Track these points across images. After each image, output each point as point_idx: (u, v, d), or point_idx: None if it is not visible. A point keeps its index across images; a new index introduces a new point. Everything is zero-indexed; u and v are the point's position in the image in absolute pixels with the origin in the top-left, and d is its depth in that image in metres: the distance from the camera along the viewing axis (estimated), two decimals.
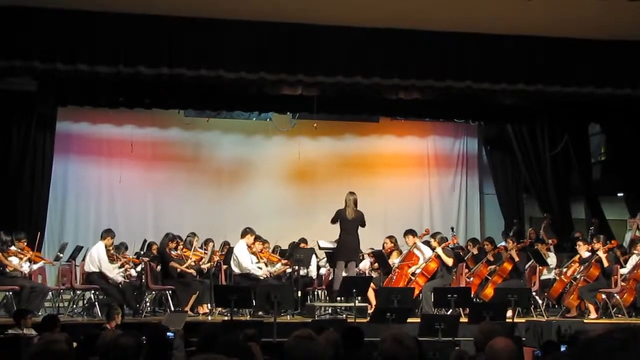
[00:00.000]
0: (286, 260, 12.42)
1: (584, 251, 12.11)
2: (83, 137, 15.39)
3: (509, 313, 10.13)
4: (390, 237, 12.87)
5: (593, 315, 11.50)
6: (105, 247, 11.62)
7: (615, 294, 11.72)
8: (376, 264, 12.57)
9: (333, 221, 11.62)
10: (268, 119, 15.90)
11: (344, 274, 11.40)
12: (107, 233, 11.85)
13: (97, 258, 11.48)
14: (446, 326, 8.64)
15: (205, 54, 10.25)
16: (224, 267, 12.29)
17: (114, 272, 11.61)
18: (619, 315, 11.77)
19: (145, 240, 13.33)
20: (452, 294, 10.36)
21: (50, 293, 11.78)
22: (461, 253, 13.04)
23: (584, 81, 11.08)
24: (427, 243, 12.25)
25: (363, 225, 11.63)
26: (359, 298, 10.87)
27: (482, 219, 17.11)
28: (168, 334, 6.63)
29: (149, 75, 10.25)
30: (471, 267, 12.87)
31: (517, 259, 12.09)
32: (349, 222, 11.51)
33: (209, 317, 11.26)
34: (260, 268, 11.89)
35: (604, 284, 11.74)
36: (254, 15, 10.05)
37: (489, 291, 11.80)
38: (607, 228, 14.10)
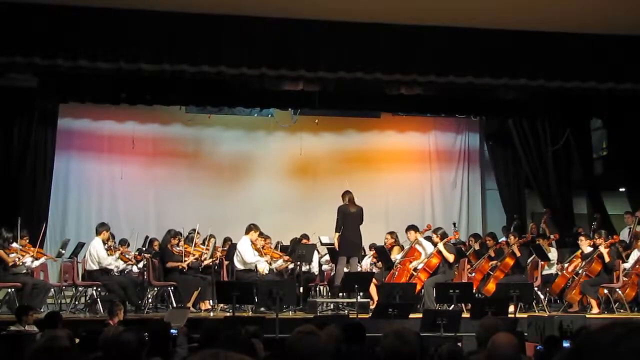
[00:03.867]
0: (288, 257, 12.42)
1: (585, 246, 12.10)
2: (84, 133, 15.40)
3: (511, 308, 10.13)
4: (391, 233, 12.88)
5: (595, 310, 11.49)
6: (103, 241, 11.62)
7: (617, 289, 11.71)
8: (378, 260, 12.59)
9: (339, 226, 11.56)
10: (269, 115, 15.91)
11: (345, 270, 11.41)
12: (102, 227, 11.86)
13: (95, 255, 11.49)
14: (448, 321, 8.64)
15: (206, 49, 10.24)
16: (226, 263, 12.30)
17: (114, 263, 11.67)
18: (621, 310, 11.76)
19: (147, 237, 13.36)
20: (454, 289, 10.37)
21: (52, 290, 11.81)
22: (463, 248, 13.04)
23: (585, 76, 11.07)
24: (428, 238, 12.25)
25: (361, 222, 11.63)
26: (361, 294, 10.87)
27: (483, 214, 17.12)
28: (171, 330, 6.65)
29: (150, 71, 10.25)
30: (473, 262, 12.87)
31: (518, 254, 12.09)
32: (351, 216, 11.52)
33: (211, 313, 11.27)
34: (263, 265, 11.90)
35: (605, 279, 11.73)
36: (255, 10, 10.04)
37: (491, 286, 11.81)
38: (609, 223, 14.09)
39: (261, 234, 12.17)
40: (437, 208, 16.80)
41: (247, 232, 11.91)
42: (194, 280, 11.75)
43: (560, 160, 15.03)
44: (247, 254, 11.68)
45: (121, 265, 11.99)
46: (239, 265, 11.81)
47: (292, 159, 16.11)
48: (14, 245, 11.32)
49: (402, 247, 12.62)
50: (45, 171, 13.37)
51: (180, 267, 11.81)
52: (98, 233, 11.75)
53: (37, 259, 11.61)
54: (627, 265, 11.95)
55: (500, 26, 10.62)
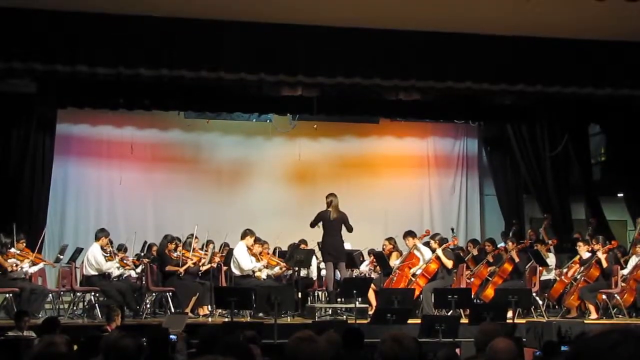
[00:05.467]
0: (284, 264, 12.40)
1: (584, 252, 12.11)
2: (83, 138, 15.40)
3: (510, 314, 10.13)
4: (390, 239, 12.87)
5: (593, 315, 11.50)
6: (101, 247, 11.60)
7: (615, 295, 11.71)
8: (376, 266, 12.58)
9: (312, 224, 11.64)
10: (268, 120, 15.91)
11: (338, 276, 11.44)
12: (101, 233, 11.84)
13: (93, 261, 11.47)
14: (447, 327, 8.64)
15: (205, 55, 10.24)
16: (224, 268, 12.29)
17: (113, 269, 11.63)
18: (620, 316, 11.77)
19: (145, 242, 13.34)
20: (452, 294, 10.36)
21: (50, 295, 11.80)
22: (461, 254, 13.04)
23: (583, 82, 11.08)
24: (427, 244, 12.24)
25: (349, 229, 11.60)
26: (360, 299, 10.86)
27: (482, 219, 17.11)
28: (170, 336, 6.64)
29: (149, 76, 10.24)
30: (471, 268, 12.87)
31: (517, 259, 12.08)
32: (331, 222, 11.53)
33: (209, 319, 11.26)
34: (260, 270, 11.89)
35: (604, 284, 11.74)
36: (254, 16, 10.04)
37: (490, 292, 11.80)
38: (607, 228, 14.10)
39: (258, 240, 12.16)
40: (436, 213, 16.80)
41: (242, 238, 11.92)
42: (193, 286, 11.74)
43: (558, 165, 15.03)
44: (243, 260, 11.68)
45: (117, 272, 11.89)
46: (236, 271, 11.80)
47: (290, 165, 16.12)
48: (12, 250, 11.31)
49: (400, 253, 12.63)
50: (43, 176, 13.36)
51: (178, 271, 11.80)
52: (97, 239, 11.73)
53: (35, 264, 11.60)
54: (625, 271, 11.95)
55: (498, 32, 10.63)
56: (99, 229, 12.16)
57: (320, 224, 11.67)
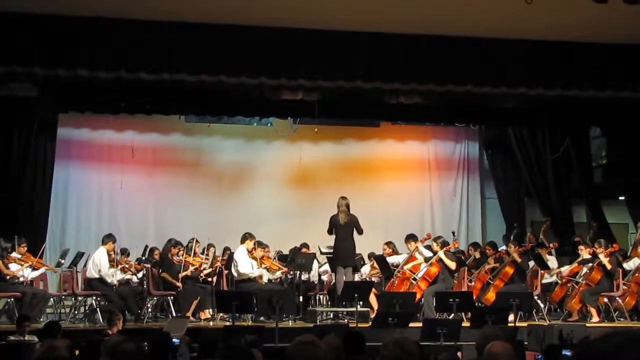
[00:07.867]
0: (285, 269, 12.39)
1: (585, 254, 12.09)
2: (84, 143, 15.41)
3: (511, 317, 10.11)
4: (389, 243, 12.85)
5: (595, 318, 11.48)
6: (107, 252, 11.62)
7: (617, 298, 11.70)
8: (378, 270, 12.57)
9: (329, 231, 11.59)
10: (269, 124, 15.91)
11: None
12: (109, 238, 11.86)
13: (98, 264, 11.47)
14: (448, 330, 8.62)
15: (205, 59, 10.25)
16: (225, 272, 12.28)
17: (113, 278, 11.59)
18: (621, 319, 11.76)
19: (146, 246, 13.33)
20: (454, 298, 10.35)
21: (51, 299, 11.79)
22: (462, 257, 13.03)
23: (584, 84, 11.08)
24: (428, 247, 12.25)
25: (359, 231, 11.56)
26: (361, 303, 10.86)
27: (483, 223, 17.10)
28: (173, 340, 6.63)
29: (149, 80, 10.24)
30: (473, 271, 12.85)
31: (519, 260, 12.06)
32: (342, 227, 11.49)
33: (211, 323, 11.25)
34: (260, 276, 11.87)
35: (606, 287, 11.73)
36: (255, 20, 10.05)
37: (491, 295, 11.79)
38: (608, 231, 14.08)
39: (259, 243, 12.15)
40: (437, 217, 16.78)
41: (242, 242, 11.90)
42: (194, 290, 11.73)
43: (559, 168, 15.03)
44: (242, 264, 11.65)
45: (118, 276, 11.87)
46: (236, 275, 11.79)
47: (291, 168, 16.11)
48: (13, 254, 11.31)
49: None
50: (44, 181, 13.36)
51: (177, 285, 11.76)
52: (104, 243, 11.75)
53: (36, 268, 11.60)
54: (628, 267, 11.97)
55: (499, 35, 10.63)
56: (106, 234, 12.16)
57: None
